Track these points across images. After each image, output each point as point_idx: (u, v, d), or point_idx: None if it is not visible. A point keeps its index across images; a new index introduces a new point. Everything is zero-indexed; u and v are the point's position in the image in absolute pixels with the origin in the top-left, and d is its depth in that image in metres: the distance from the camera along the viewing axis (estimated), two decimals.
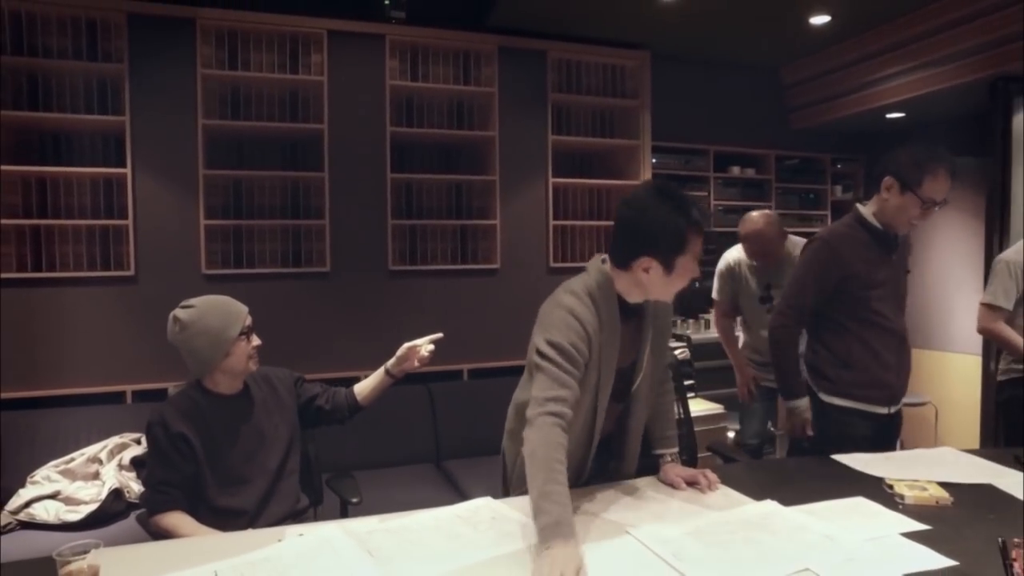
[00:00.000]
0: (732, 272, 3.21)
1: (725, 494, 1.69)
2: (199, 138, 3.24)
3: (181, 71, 3.22)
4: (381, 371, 2.04)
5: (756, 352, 3.23)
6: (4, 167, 2.95)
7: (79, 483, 2.70)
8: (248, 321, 1.86)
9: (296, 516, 1.90)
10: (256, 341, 1.87)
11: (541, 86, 3.88)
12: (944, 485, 1.67)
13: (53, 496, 2.61)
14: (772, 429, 3.38)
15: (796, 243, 3.06)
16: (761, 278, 3.10)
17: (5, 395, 2.97)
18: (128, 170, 3.14)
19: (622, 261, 1.60)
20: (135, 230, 3.18)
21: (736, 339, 3.33)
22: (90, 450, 2.84)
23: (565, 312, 1.59)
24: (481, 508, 1.62)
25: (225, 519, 1.73)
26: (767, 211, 3.15)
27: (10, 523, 2.54)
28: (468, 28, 3.71)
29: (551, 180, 3.88)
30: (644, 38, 4.04)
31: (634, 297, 1.65)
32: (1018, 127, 3.70)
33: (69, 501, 2.60)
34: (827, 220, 5.04)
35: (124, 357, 3.19)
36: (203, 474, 1.77)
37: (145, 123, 3.17)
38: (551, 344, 1.55)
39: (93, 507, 2.56)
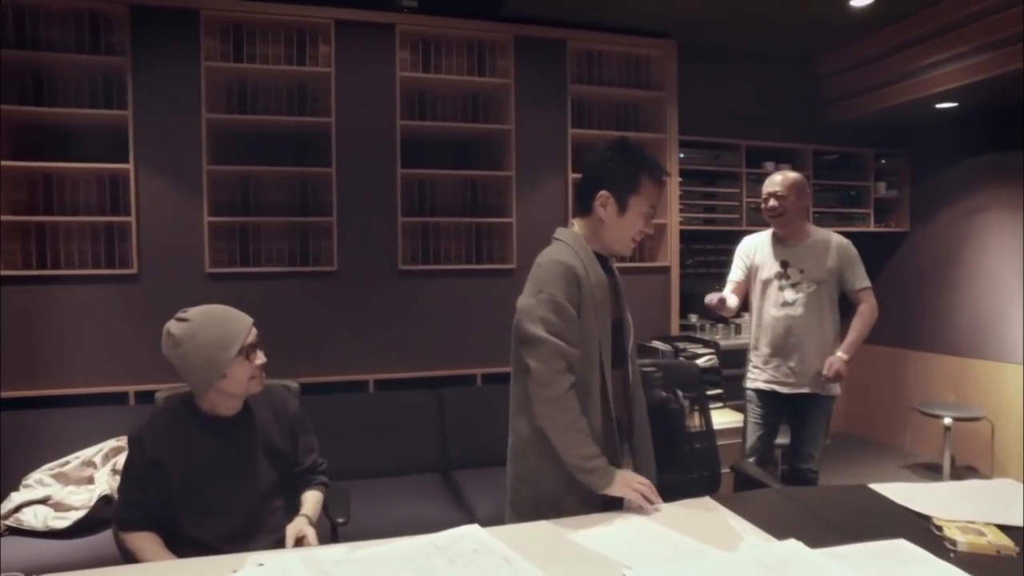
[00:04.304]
0: (749, 250, 3.03)
1: (741, 528, 1.48)
2: (203, 133, 3.14)
3: (185, 64, 3.12)
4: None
5: (762, 348, 2.92)
6: (5, 163, 2.89)
7: (71, 487, 2.61)
8: (251, 337, 1.67)
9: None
10: (260, 359, 1.68)
11: (560, 77, 3.69)
12: (1005, 529, 1.42)
13: (43, 501, 2.53)
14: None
15: (827, 235, 2.91)
16: (778, 254, 2.92)
17: (5, 394, 2.91)
18: (131, 166, 3.06)
19: (585, 203, 1.70)
20: (138, 227, 3.10)
21: (732, 309, 3.00)
22: (85, 453, 2.76)
23: (548, 267, 1.61)
24: (464, 537, 1.46)
25: (197, 551, 1.57)
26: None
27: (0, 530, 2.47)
28: (482, 17, 3.54)
29: (571, 176, 3.68)
30: (669, 26, 3.81)
31: (595, 244, 1.71)
32: None
33: (59, 507, 2.51)
34: (870, 219, 4.73)
35: (127, 357, 3.11)
36: (175, 502, 1.64)
37: (148, 118, 3.09)
38: (544, 303, 1.58)
39: (81, 513, 2.47)
